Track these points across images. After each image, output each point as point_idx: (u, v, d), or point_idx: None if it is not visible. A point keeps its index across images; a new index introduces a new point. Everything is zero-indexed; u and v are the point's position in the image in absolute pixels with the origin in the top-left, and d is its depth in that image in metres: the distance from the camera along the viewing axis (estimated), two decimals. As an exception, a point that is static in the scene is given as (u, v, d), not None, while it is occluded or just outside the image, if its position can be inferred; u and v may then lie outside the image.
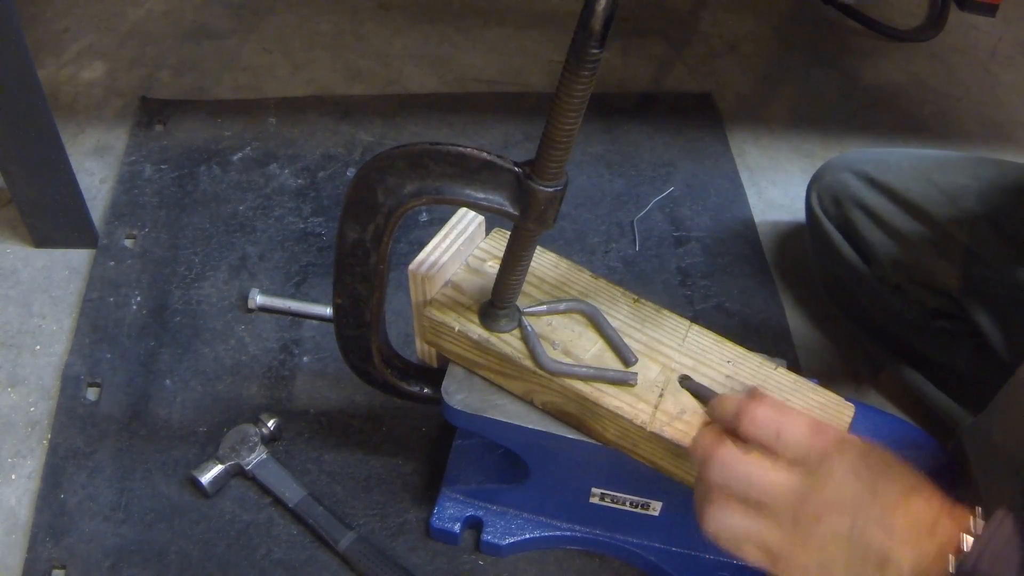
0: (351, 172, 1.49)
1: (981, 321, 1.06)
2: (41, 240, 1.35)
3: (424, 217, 1.43)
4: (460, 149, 0.73)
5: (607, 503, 0.98)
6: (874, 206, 1.13)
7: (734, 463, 0.67)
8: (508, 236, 0.80)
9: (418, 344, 0.96)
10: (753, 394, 0.70)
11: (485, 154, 0.72)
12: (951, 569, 0.59)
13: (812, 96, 1.73)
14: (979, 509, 0.62)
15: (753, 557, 0.67)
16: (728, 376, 0.85)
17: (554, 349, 0.86)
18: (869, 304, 1.18)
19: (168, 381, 1.20)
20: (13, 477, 1.11)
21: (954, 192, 1.09)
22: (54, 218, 1.32)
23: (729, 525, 0.67)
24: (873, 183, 1.15)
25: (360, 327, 0.91)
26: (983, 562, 0.59)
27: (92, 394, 1.19)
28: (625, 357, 0.86)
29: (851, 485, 0.63)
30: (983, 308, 1.06)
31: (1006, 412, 0.82)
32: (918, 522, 0.62)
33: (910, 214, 1.11)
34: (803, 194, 1.28)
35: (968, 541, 0.60)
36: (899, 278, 1.12)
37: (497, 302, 0.86)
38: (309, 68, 1.69)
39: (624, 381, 0.84)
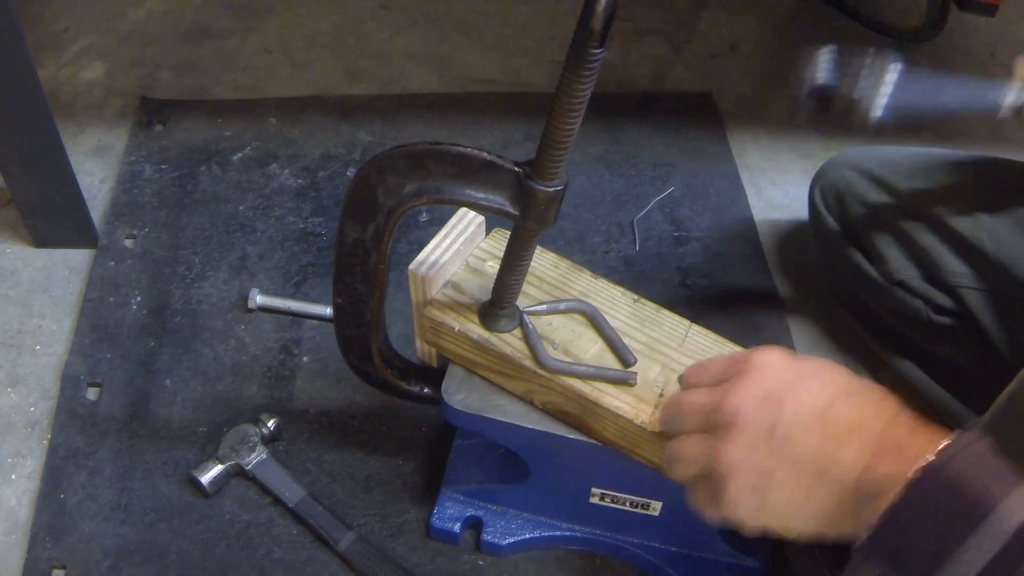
0: (351, 172, 1.49)
1: (984, 318, 1.06)
2: (41, 240, 1.35)
3: (424, 217, 1.43)
4: (460, 149, 0.73)
5: (607, 503, 0.98)
6: (877, 203, 1.13)
7: (666, 405, 0.75)
8: (508, 236, 0.80)
9: (418, 344, 0.96)
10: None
11: (485, 154, 0.72)
12: (911, 474, 0.57)
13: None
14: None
15: (701, 490, 0.69)
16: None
17: (554, 349, 0.86)
18: (872, 301, 1.18)
19: (168, 381, 1.20)
20: (13, 477, 1.11)
21: (957, 190, 1.09)
22: (54, 218, 1.32)
23: (672, 453, 0.71)
24: (876, 181, 1.15)
25: (360, 327, 0.91)
26: (954, 465, 0.56)
27: (92, 394, 1.19)
28: (625, 357, 0.86)
29: (767, 377, 0.66)
30: (986, 305, 1.06)
31: (1012, 415, 0.82)
32: (847, 420, 0.62)
33: (912, 211, 1.11)
34: (803, 194, 1.28)
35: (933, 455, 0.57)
36: (902, 275, 1.12)
37: (497, 302, 0.86)
38: (309, 68, 1.69)
39: (624, 381, 0.84)
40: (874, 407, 0.63)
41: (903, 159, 1.18)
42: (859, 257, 1.16)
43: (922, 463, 0.57)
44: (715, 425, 0.67)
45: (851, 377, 0.66)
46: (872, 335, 1.24)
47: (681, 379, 0.77)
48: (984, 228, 1.06)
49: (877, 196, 1.14)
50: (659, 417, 0.77)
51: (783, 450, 0.63)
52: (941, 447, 0.58)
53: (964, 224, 1.07)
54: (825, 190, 1.22)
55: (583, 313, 0.89)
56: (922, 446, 0.58)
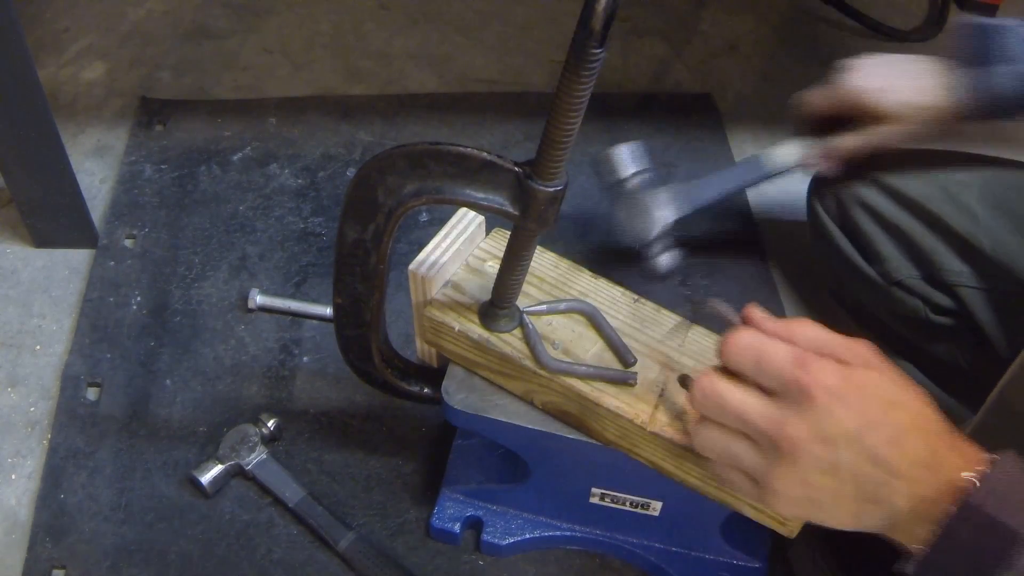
0: (351, 172, 1.49)
1: (983, 317, 1.06)
2: (41, 240, 1.35)
3: (424, 217, 1.43)
4: (460, 149, 0.73)
5: (607, 503, 0.98)
6: (875, 203, 1.13)
7: (710, 389, 0.66)
8: (508, 236, 0.80)
9: (418, 344, 0.96)
10: (745, 316, 0.69)
11: (485, 154, 0.72)
12: (954, 508, 0.59)
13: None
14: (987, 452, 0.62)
15: (739, 484, 0.67)
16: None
17: (554, 349, 0.86)
18: (870, 301, 1.18)
19: (168, 381, 1.20)
20: (13, 477, 1.11)
21: (955, 188, 1.09)
22: (54, 218, 1.32)
23: (713, 442, 0.67)
24: (874, 180, 1.15)
25: (360, 327, 0.91)
26: (989, 503, 0.58)
27: (92, 394, 1.19)
28: (625, 357, 0.86)
29: (838, 416, 0.61)
30: (985, 304, 1.06)
31: (1003, 412, 0.82)
32: (918, 457, 0.61)
33: (911, 211, 1.11)
34: (803, 194, 1.28)
35: (973, 480, 0.59)
36: (900, 275, 1.12)
37: (497, 302, 0.86)
38: (309, 68, 1.69)
39: (624, 381, 0.84)
40: (948, 445, 0.63)
41: None
42: (857, 257, 1.16)
43: (963, 496, 0.59)
44: (766, 444, 0.64)
45: (928, 410, 0.65)
46: (871, 335, 1.24)
47: (723, 352, 0.67)
48: (983, 227, 1.06)
49: (874, 196, 1.14)
50: (692, 395, 0.68)
51: (841, 482, 0.62)
52: (980, 477, 0.59)
53: (963, 223, 1.07)
54: (823, 191, 1.22)
55: (583, 313, 0.89)
56: (961, 466, 0.61)
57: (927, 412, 0.64)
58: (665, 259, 1.18)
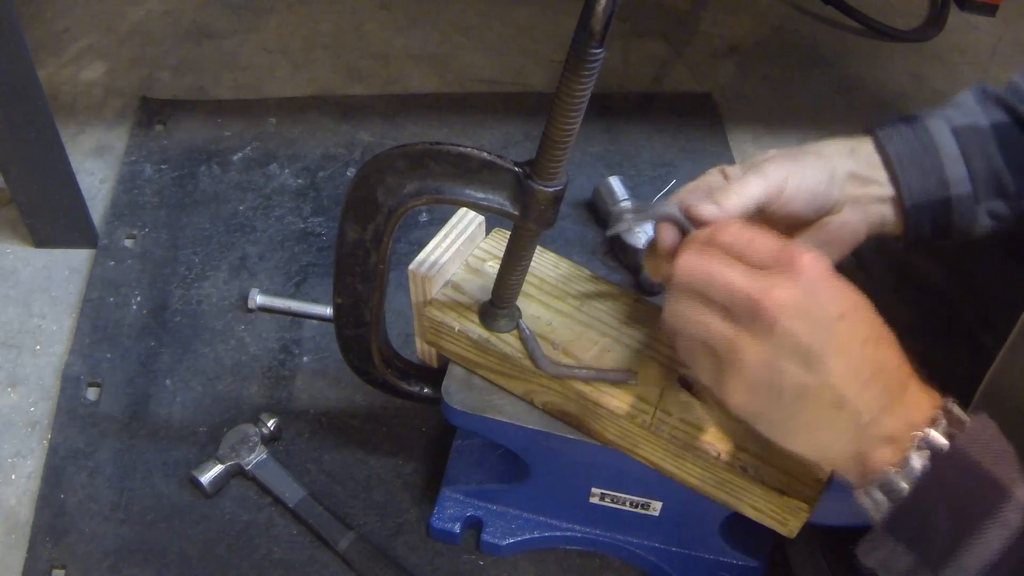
0: (351, 172, 1.49)
1: (975, 321, 1.06)
2: (41, 240, 1.35)
3: (424, 217, 1.43)
4: (460, 149, 0.73)
5: (607, 503, 0.98)
6: None
7: (698, 261, 0.65)
8: (508, 236, 0.80)
9: (418, 344, 0.96)
10: (694, 218, 0.71)
11: (485, 154, 0.72)
12: (922, 441, 0.59)
13: (812, 96, 1.73)
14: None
15: (702, 364, 0.66)
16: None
17: (554, 349, 0.86)
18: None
19: (168, 381, 1.20)
20: (13, 477, 1.11)
21: None
22: (54, 218, 1.32)
23: (687, 310, 0.66)
24: None
25: (360, 327, 0.91)
26: (976, 450, 0.58)
27: (92, 394, 1.19)
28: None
29: (816, 296, 0.61)
30: (977, 308, 1.06)
31: (988, 411, 0.82)
32: (887, 376, 0.61)
33: None
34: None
35: (942, 420, 0.59)
36: (892, 280, 1.12)
37: (497, 302, 0.86)
38: (309, 68, 1.69)
39: (624, 381, 0.84)
40: (898, 359, 0.63)
41: None
42: (849, 262, 1.16)
43: (942, 442, 0.59)
44: (746, 317, 0.62)
45: (883, 325, 0.64)
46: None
47: (712, 226, 0.68)
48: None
49: None
50: (679, 260, 0.67)
51: (808, 371, 0.61)
52: (959, 432, 0.59)
53: None
54: None
55: (672, 219, 0.75)
56: (932, 409, 0.61)
57: (876, 323, 0.64)
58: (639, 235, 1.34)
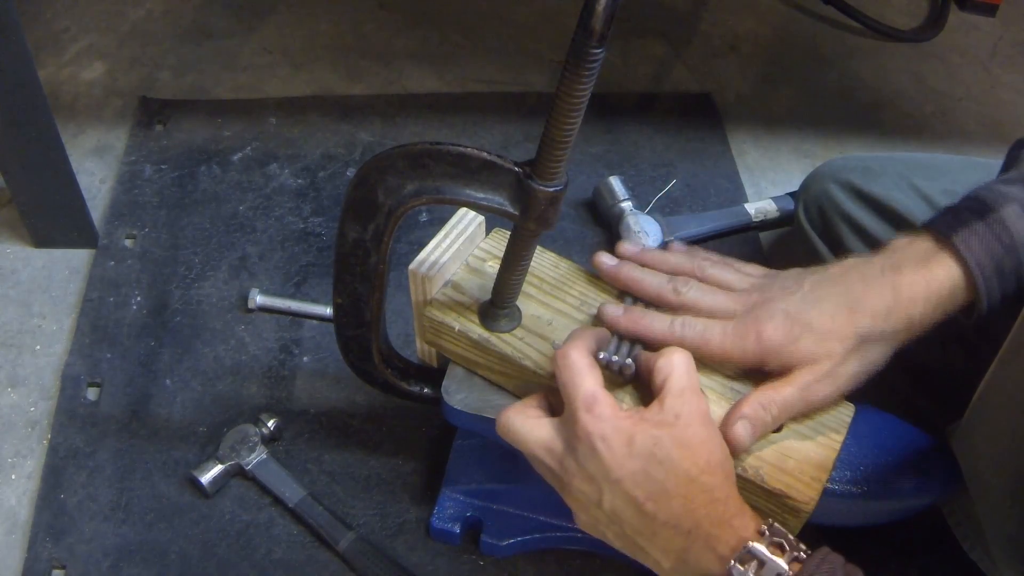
0: (351, 172, 1.49)
1: (966, 326, 1.06)
2: (41, 240, 1.35)
3: (424, 217, 1.43)
4: (460, 149, 0.73)
5: (607, 503, 0.98)
6: (858, 218, 1.13)
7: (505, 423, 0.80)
8: (508, 236, 0.80)
9: (418, 344, 0.97)
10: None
11: (485, 154, 0.73)
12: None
13: (812, 96, 1.73)
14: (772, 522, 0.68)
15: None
16: (729, 376, 0.85)
17: (554, 349, 0.86)
18: None
19: (168, 381, 1.20)
20: (13, 477, 1.11)
21: (937, 199, 1.08)
22: (54, 218, 1.32)
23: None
24: (857, 194, 1.14)
25: (360, 327, 0.91)
26: None
27: (92, 394, 1.19)
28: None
29: (606, 460, 0.70)
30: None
31: (984, 414, 0.82)
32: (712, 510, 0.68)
33: (893, 224, 1.10)
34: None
35: (756, 547, 0.65)
36: None
37: (497, 302, 0.86)
38: (309, 68, 1.69)
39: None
40: (734, 511, 0.69)
41: (885, 168, 1.16)
42: None
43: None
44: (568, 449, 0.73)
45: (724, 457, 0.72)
46: None
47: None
48: None
49: (857, 210, 1.13)
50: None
51: (612, 521, 0.72)
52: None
53: None
54: (808, 205, 1.21)
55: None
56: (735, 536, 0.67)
57: (720, 466, 0.71)
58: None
